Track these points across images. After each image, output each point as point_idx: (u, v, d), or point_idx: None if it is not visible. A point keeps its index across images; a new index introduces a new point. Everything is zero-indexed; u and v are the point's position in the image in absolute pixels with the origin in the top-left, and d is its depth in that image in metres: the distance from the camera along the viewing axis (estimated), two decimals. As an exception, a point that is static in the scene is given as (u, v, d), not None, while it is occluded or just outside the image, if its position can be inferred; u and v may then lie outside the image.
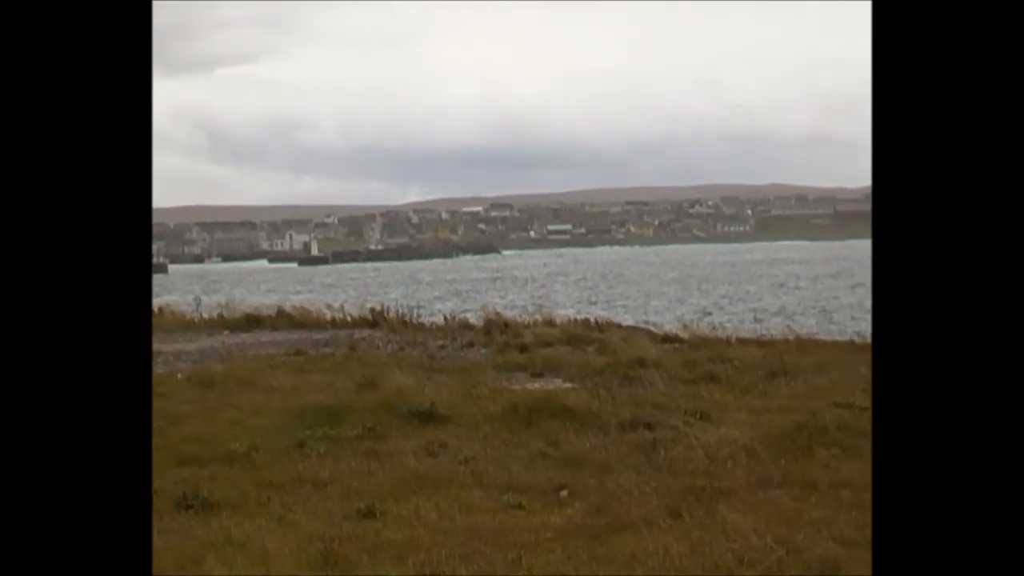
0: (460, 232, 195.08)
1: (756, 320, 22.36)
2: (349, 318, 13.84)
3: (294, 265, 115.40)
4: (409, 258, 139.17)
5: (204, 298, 16.78)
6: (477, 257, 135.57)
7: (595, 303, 32.51)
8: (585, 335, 11.71)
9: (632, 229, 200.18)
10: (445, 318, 14.33)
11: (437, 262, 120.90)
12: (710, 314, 26.89)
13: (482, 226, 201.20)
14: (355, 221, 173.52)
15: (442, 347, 11.19)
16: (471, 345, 11.31)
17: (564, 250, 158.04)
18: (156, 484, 3.96)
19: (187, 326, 13.45)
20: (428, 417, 6.38)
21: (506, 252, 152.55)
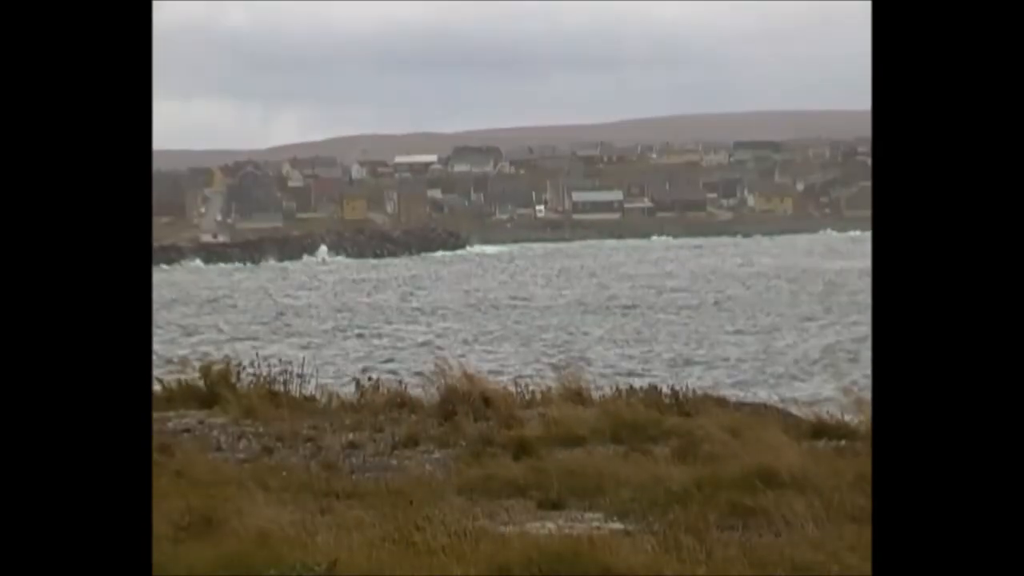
0: (391, 205, 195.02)
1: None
2: (160, 387, 13.87)
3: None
4: (281, 257, 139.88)
5: None
6: (416, 258, 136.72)
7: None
8: (651, 421, 11.79)
9: (751, 199, 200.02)
10: (359, 384, 14.43)
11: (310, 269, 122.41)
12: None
13: (437, 194, 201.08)
14: (170, 183, 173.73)
15: (353, 446, 11.38)
16: (413, 443, 11.40)
17: (605, 243, 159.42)
18: None
19: None
20: (323, 594, 6.50)
21: (490, 247, 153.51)
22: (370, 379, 14.85)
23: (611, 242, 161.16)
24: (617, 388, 14.13)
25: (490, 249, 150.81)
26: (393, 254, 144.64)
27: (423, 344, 51.37)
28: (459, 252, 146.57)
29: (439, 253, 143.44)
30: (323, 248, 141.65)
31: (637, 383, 15.28)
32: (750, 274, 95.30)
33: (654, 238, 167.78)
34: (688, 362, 41.79)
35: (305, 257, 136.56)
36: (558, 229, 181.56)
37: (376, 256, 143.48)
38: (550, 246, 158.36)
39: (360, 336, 56.45)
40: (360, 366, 41.02)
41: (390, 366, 40.00)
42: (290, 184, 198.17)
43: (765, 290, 77.13)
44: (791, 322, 57.23)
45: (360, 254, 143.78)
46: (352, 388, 14.43)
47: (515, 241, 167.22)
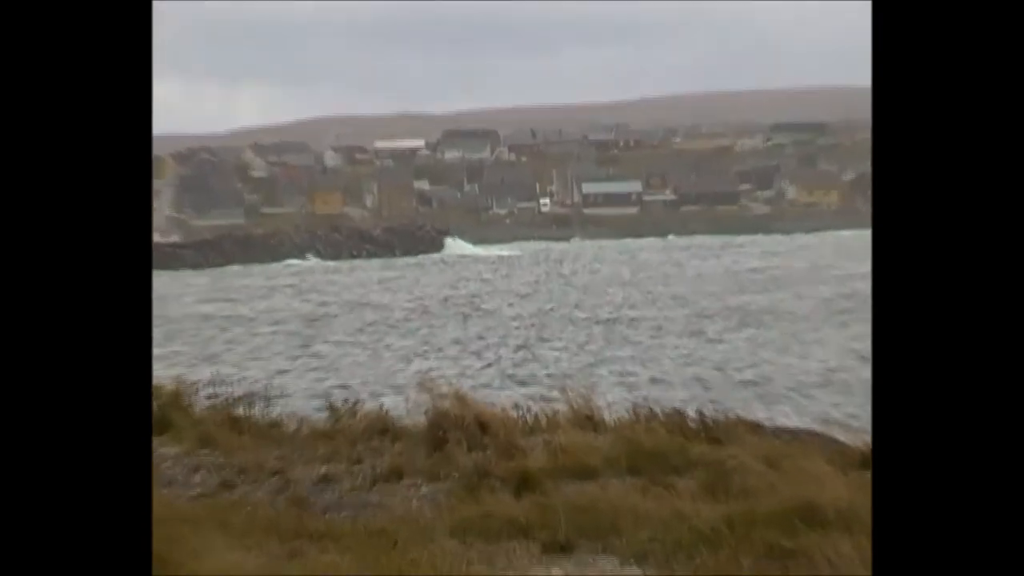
0: (371, 198, 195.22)
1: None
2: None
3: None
4: (247, 261, 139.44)
5: None
6: (397, 260, 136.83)
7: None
8: (674, 449, 11.83)
9: (790, 191, 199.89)
10: (332, 408, 14.46)
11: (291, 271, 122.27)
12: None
13: (424, 185, 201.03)
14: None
15: (326, 480, 11.45)
16: (397, 475, 11.46)
17: (622, 243, 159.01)
18: None
19: None
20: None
21: (482, 249, 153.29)
22: (345, 401, 14.89)
23: (627, 241, 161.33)
24: (635, 411, 14.17)
25: (479, 251, 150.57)
26: (374, 255, 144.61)
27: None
28: (435, 255, 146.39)
29: (419, 257, 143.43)
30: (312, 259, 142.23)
31: (655, 405, 15.28)
32: (762, 280, 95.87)
33: (671, 237, 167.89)
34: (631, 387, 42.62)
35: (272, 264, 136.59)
36: (566, 226, 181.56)
37: (353, 256, 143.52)
38: (555, 246, 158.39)
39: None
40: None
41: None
42: (253, 174, 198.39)
43: (758, 304, 77.40)
44: (778, 341, 57.82)
45: (335, 255, 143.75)
46: (324, 411, 14.48)
47: (515, 239, 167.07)
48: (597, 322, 68.15)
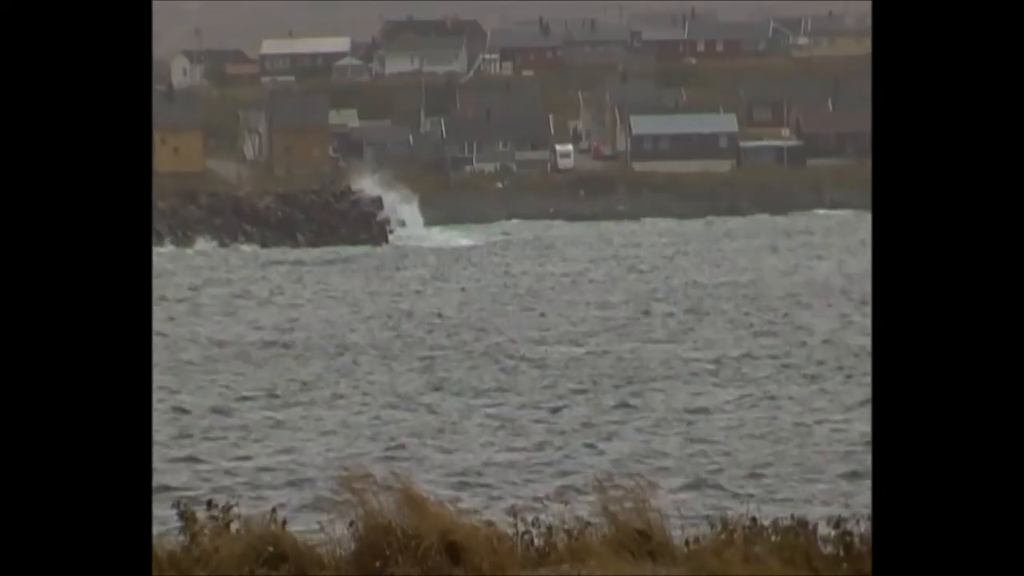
0: (256, 144, 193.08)
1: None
2: None
3: None
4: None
5: None
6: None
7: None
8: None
9: None
10: (187, 517, 14.36)
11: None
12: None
13: (350, 119, 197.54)
14: None
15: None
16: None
17: (700, 225, 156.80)
18: None
19: None
20: None
21: (436, 232, 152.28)
22: (210, 504, 14.72)
23: (710, 223, 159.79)
24: (723, 524, 13.93)
25: (442, 237, 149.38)
26: (262, 242, 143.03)
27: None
28: (359, 249, 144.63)
29: (341, 248, 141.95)
30: None
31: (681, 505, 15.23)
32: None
33: (792, 216, 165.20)
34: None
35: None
36: (602, 191, 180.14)
37: (223, 244, 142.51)
38: (579, 230, 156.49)
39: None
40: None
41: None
42: None
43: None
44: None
45: (186, 241, 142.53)
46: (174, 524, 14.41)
47: (512, 216, 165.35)
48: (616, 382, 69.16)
